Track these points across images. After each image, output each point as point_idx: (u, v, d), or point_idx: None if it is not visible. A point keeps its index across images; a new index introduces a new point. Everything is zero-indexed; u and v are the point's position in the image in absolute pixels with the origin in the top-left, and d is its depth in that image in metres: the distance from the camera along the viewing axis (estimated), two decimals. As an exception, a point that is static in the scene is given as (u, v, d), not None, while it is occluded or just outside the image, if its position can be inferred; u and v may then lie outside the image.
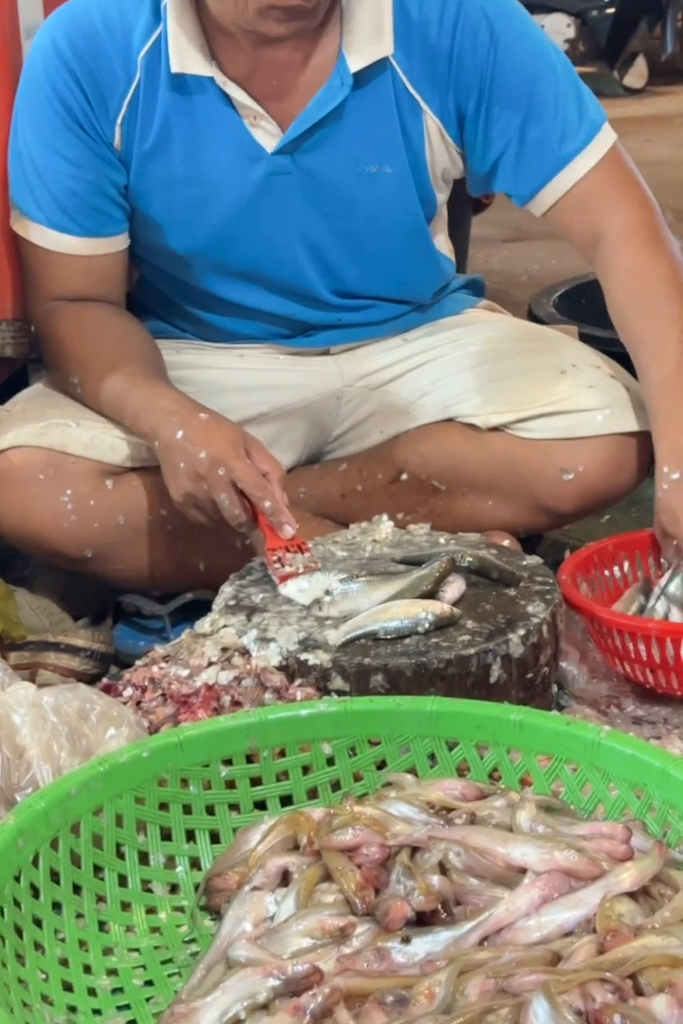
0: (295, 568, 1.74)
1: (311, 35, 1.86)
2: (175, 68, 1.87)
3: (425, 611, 1.64)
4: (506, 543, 1.94)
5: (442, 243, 2.15)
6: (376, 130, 1.93)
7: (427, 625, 1.63)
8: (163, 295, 2.09)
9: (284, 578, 1.73)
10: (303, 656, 1.60)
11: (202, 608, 1.83)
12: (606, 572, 1.92)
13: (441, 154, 1.98)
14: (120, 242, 1.99)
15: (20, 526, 1.90)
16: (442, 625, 1.64)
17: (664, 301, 1.91)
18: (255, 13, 1.76)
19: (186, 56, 1.87)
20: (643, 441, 1.96)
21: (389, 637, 1.62)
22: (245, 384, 2.08)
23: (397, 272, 2.07)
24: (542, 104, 1.92)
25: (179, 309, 2.10)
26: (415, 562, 1.75)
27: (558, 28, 8.37)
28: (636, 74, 7.91)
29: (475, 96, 1.92)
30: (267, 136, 1.92)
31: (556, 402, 1.98)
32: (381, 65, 1.90)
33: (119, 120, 1.91)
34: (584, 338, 2.24)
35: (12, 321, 2.03)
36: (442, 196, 2.06)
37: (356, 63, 1.89)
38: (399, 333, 2.14)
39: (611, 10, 7.96)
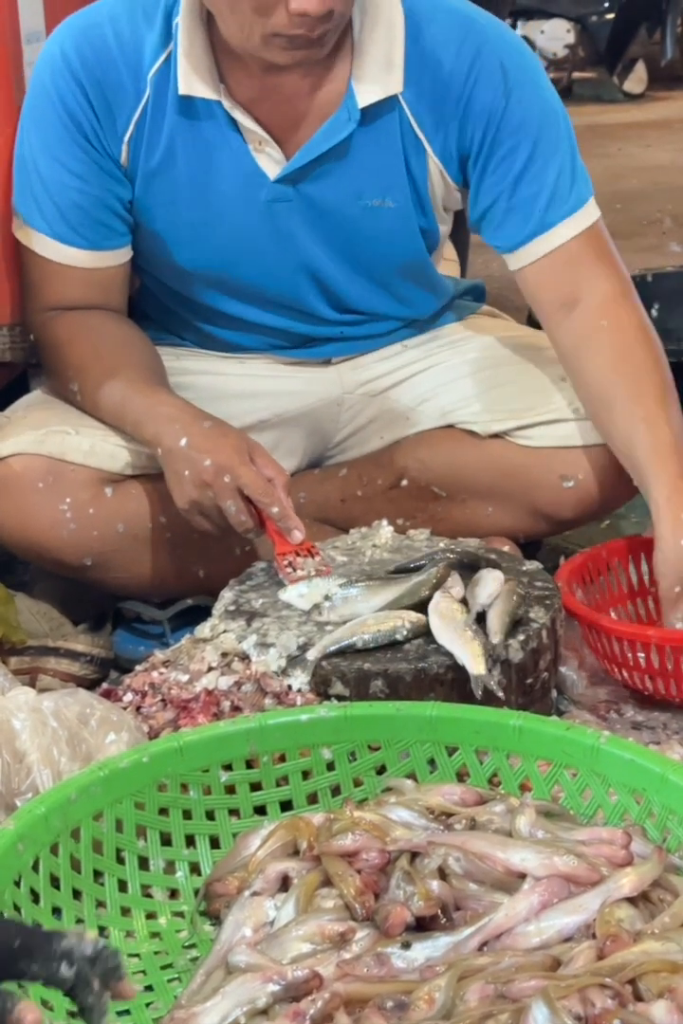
0: (306, 572, 1.74)
1: (320, 64, 1.84)
2: (183, 90, 1.86)
3: (402, 621, 1.64)
4: (506, 548, 1.94)
5: (443, 264, 2.16)
6: (380, 165, 1.92)
7: (404, 634, 1.63)
8: (163, 304, 2.09)
9: (295, 581, 1.74)
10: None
11: (202, 613, 1.83)
12: (601, 578, 1.92)
13: (442, 190, 1.98)
14: (123, 255, 1.99)
15: (19, 534, 1.90)
16: (419, 634, 1.63)
17: (649, 372, 1.89)
18: (260, 40, 1.74)
19: (194, 78, 1.86)
20: None
21: (367, 648, 1.62)
22: (245, 390, 2.08)
23: (398, 295, 2.07)
24: (539, 165, 1.92)
25: (179, 318, 2.10)
26: (408, 569, 1.75)
27: (558, 33, 8.37)
28: (636, 79, 7.91)
29: (478, 143, 1.91)
30: (271, 163, 1.91)
31: (555, 410, 1.98)
32: (389, 102, 1.88)
33: (126, 138, 1.90)
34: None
35: (12, 326, 2.03)
36: (445, 228, 2.06)
37: (365, 98, 1.87)
38: (399, 341, 2.14)
39: (611, 15, 7.96)
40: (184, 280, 2.02)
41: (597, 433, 1.95)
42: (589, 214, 1.97)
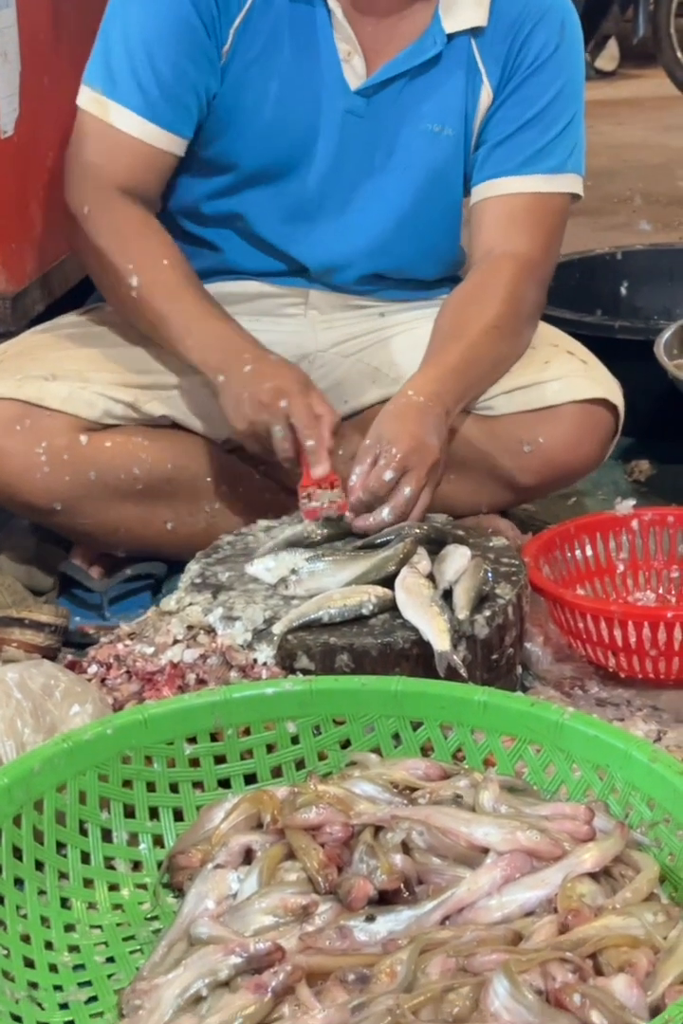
0: (321, 503, 1.77)
1: None
2: None
3: (368, 596, 1.64)
4: (503, 528, 1.94)
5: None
6: (445, 90, 2.00)
7: (371, 609, 1.63)
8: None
9: (309, 513, 1.77)
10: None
11: (141, 589, 1.90)
12: (568, 554, 1.93)
13: (482, 123, 2.03)
14: (184, 146, 1.99)
15: None
16: (385, 609, 1.64)
17: (485, 326, 1.94)
18: None
19: None
20: (602, 413, 2.00)
21: (333, 623, 1.62)
22: None
23: (427, 237, 2.09)
24: (546, 122, 2.01)
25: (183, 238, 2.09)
26: (375, 545, 1.75)
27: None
28: (608, 57, 7.89)
29: (516, 79, 2.00)
30: (353, 75, 1.97)
31: (515, 378, 2.00)
32: (466, 31, 1.97)
33: (236, 25, 1.93)
34: (553, 320, 2.25)
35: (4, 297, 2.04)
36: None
37: (451, 25, 1.97)
38: (383, 300, 2.15)
39: (584, -8, 7.95)
40: (227, 179, 2.02)
41: (555, 394, 1.98)
42: (558, 183, 2.02)
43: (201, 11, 1.91)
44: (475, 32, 1.99)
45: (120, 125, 1.94)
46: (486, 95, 2.01)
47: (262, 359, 1.87)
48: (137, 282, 1.93)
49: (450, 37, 1.98)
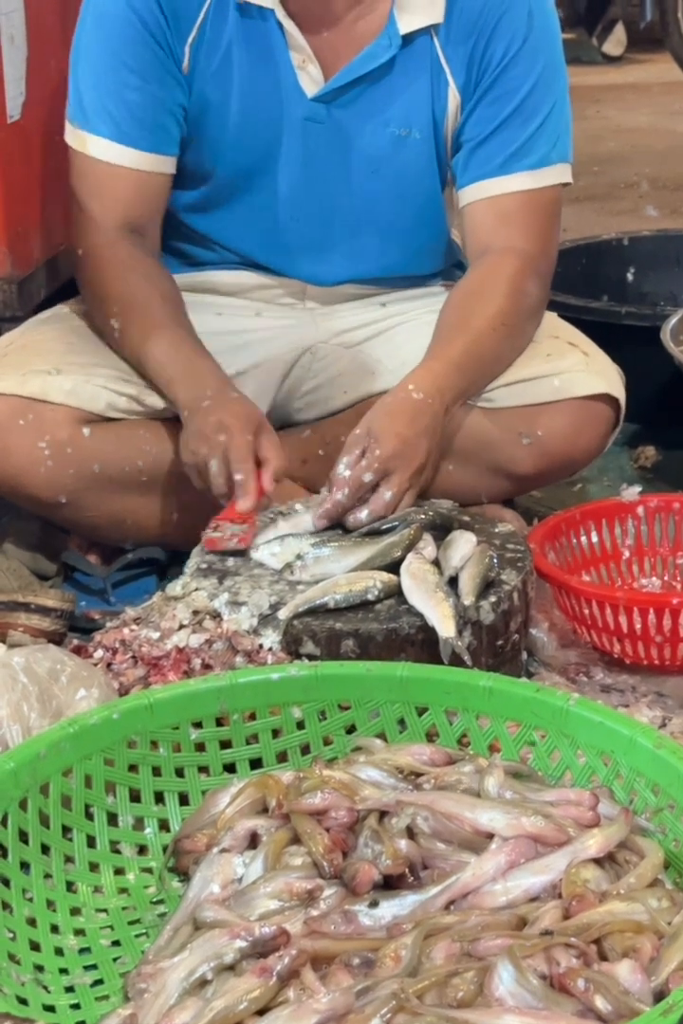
0: (222, 535, 1.73)
1: None
2: None
3: (374, 581, 1.64)
4: (509, 519, 1.95)
5: (451, 227, 2.17)
6: (409, 94, 1.98)
7: (376, 594, 1.63)
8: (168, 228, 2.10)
9: (209, 543, 1.73)
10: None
11: (144, 573, 1.92)
12: (574, 540, 1.93)
13: (455, 127, 2.01)
14: (172, 164, 2.00)
15: None
16: (391, 595, 1.64)
17: (489, 319, 1.94)
18: None
19: None
20: (603, 407, 2.00)
21: (339, 608, 1.62)
22: (219, 348, 2.07)
23: (409, 237, 2.09)
24: (526, 114, 1.98)
25: (168, 228, 2.10)
26: (380, 530, 1.75)
27: (538, -7, 8.29)
28: (615, 41, 7.87)
29: (486, 78, 1.97)
30: (310, 82, 1.97)
31: (515, 371, 1.99)
32: (425, 32, 1.94)
33: (190, 41, 1.94)
34: (559, 306, 2.25)
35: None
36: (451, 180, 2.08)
37: (406, 25, 1.94)
38: (382, 289, 2.15)
39: (591, -23, 7.92)
40: (205, 191, 2.03)
41: (555, 390, 1.97)
42: (545, 177, 2.00)
43: (154, 32, 1.92)
44: (435, 30, 1.95)
45: (98, 155, 1.96)
46: (453, 96, 1.98)
47: (220, 395, 1.86)
48: (117, 325, 1.95)
49: (408, 38, 1.94)
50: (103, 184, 1.97)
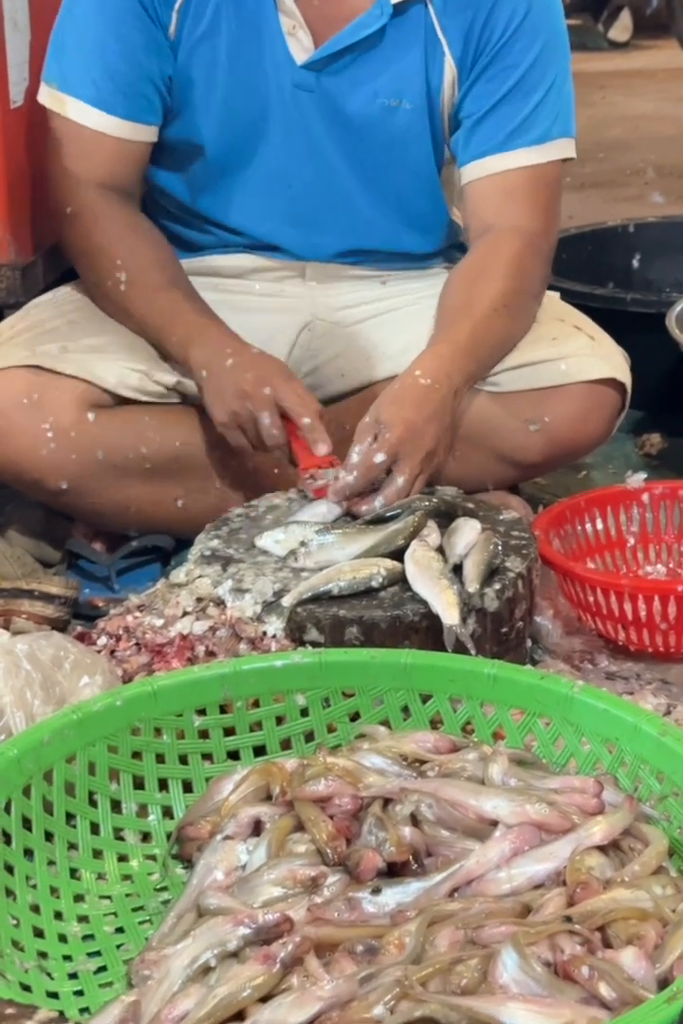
0: (328, 481, 1.78)
1: None
2: None
3: (378, 569, 1.63)
4: (515, 506, 1.94)
5: (452, 206, 2.16)
6: (401, 65, 1.97)
7: (380, 581, 1.63)
8: (159, 207, 2.10)
9: (318, 492, 1.77)
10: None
11: (148, 561, 1.92)
12: (579, 528, 1.93)
13: (451, 101, 2.00)
14: (153, 133, 2.00)
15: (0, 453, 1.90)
16: (395, 582, 1.63)
17: (493, 300, 1.93)
18: None
19: None
20: (609, 392, 1.99)
21: (343, 595, 1.62)
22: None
23: (405, 212, 2.08)
24: (527, 89, 1.96)
25: (167, 213, 2.10)
26: (384, 518, 1.75)
27: (543, -20, 8.26)
28: (621, 27, 7.84)
29: (486, 54, 1.95)
30: (299, 48, 1.95)
31: (520, 355, 1.99)
32: (419, 2, 1.93)
33: (177, 6, 1.93)
34: (564, 292, 2.24)
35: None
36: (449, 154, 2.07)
37: None
38: (381, 269, 2.14)
39: (597, -38, 7.89)
40: (198, 167, 2.02)
41: (562, 375, 1.97)
42: (548, 152, 1.99)
43: None
44: (430, 0, 1.93)
45: (77, 118, 1.95)
46: (450, 67, 1.97)
47: (243, 351, 1.89)
48: (124, 278, 1.95)
49: (400, 8, 1.93)
50: (86, 144, 1.96)
